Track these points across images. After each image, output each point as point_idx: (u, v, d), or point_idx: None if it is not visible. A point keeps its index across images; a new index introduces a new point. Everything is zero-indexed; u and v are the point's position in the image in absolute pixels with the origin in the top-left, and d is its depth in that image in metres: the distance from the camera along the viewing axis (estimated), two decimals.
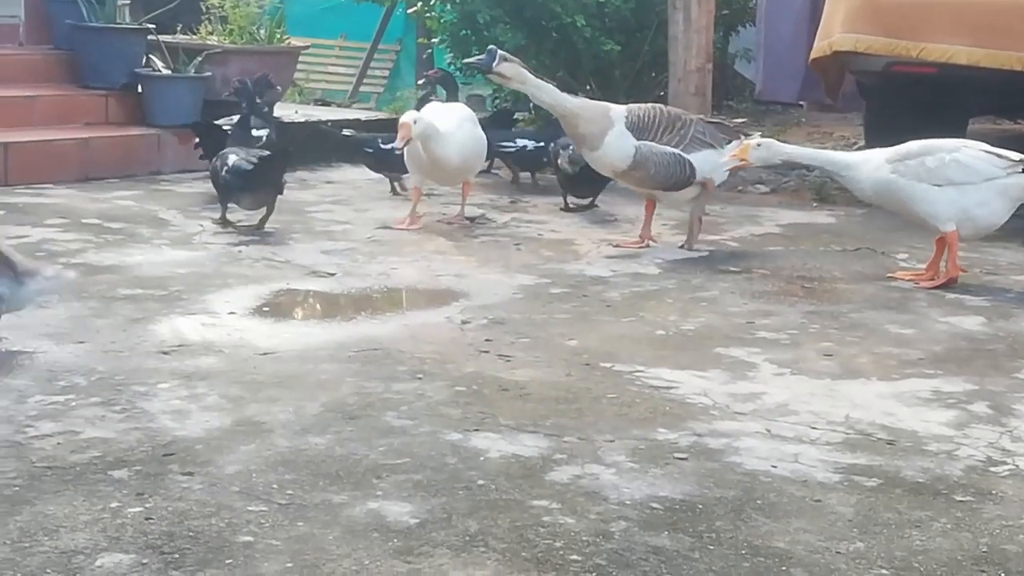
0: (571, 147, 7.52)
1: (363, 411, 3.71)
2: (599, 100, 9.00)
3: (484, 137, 6.69)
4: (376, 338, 4.52)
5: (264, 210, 6.33)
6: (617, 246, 6.27)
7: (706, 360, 4.38)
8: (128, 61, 8.32)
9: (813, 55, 8.31)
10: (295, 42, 9.17)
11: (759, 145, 5.78)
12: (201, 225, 6.44)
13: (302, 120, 8.98)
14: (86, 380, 3.91)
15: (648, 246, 6.27)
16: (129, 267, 5.49)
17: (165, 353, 4.24)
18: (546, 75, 8.84)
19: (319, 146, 8.08)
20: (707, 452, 3.48)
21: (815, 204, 8.12)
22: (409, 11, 10.60)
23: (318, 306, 5.11)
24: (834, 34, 8.05)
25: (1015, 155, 5.62)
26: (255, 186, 6.22)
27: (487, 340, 4.53)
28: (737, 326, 4.87)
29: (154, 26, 8.57)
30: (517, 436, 3.54)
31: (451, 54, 9.34)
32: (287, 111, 9.16)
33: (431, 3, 9.09)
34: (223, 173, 6.24)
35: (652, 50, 9.33)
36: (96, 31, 8.25)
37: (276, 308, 5.01)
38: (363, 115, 9.58)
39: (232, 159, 6.25)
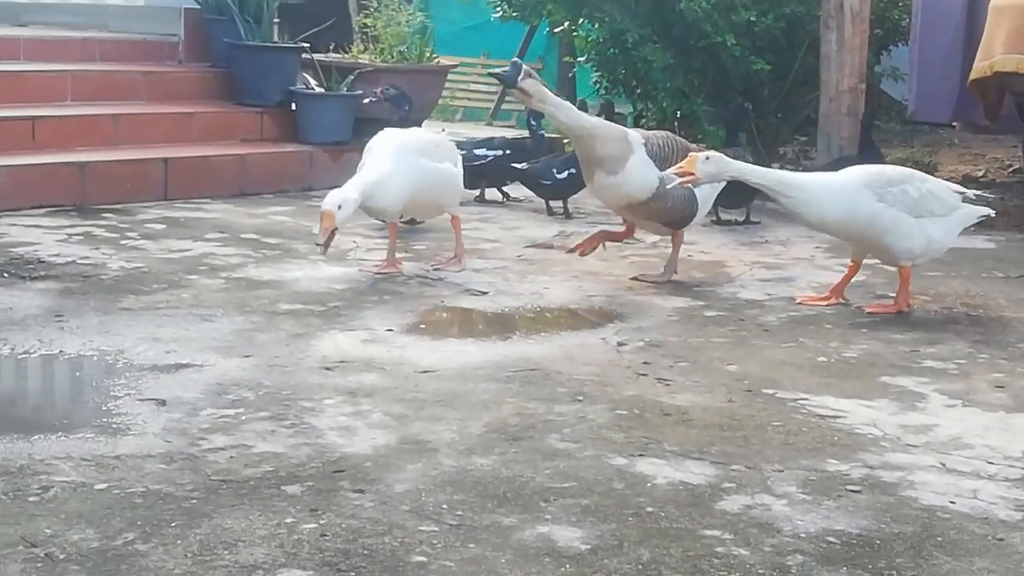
0: None
1: (525, 432, 3.70)
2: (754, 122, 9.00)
3: (440, 167, 5.87)
4: (533, 358, 4.52)
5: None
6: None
7: (872, 389, 4.28)
8: (283, 79, 8.49)
9: (973, 76, 8.12)
10: (443, 61, 9.25)
11: (708, 159, 5.35)
12: (355, 242, 6.52)
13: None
14: (254, 394, 3.97)
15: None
16: (288, 282, 5.58)
17: (328, 369, 4.29)
18: (695, 95, 8.86)
19: (495, 177, 8.08)
20: (881, 485, 3.39)
21: (972, 228, 7.89)
22: (554, 30, 10.63)
23: (474, 324, 5.12)
24: (995, 55, 7.86)
25: (959, 188, 5.65)
26: None
27: (645, 363, 4.49)
28: (901, 354, 4.75)
29: (308, 45, 8.73)
30: (683, 463, 3.49)
31: (597, 73, 9.33)
32: (434, 129, 9.24)
33: (579, 22, 9.08)
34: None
35: (803, 68, 9.19)
36: (253, 50, 8.44)
37: (433, 326, 5.03)
38: (510, 133, 9.60)
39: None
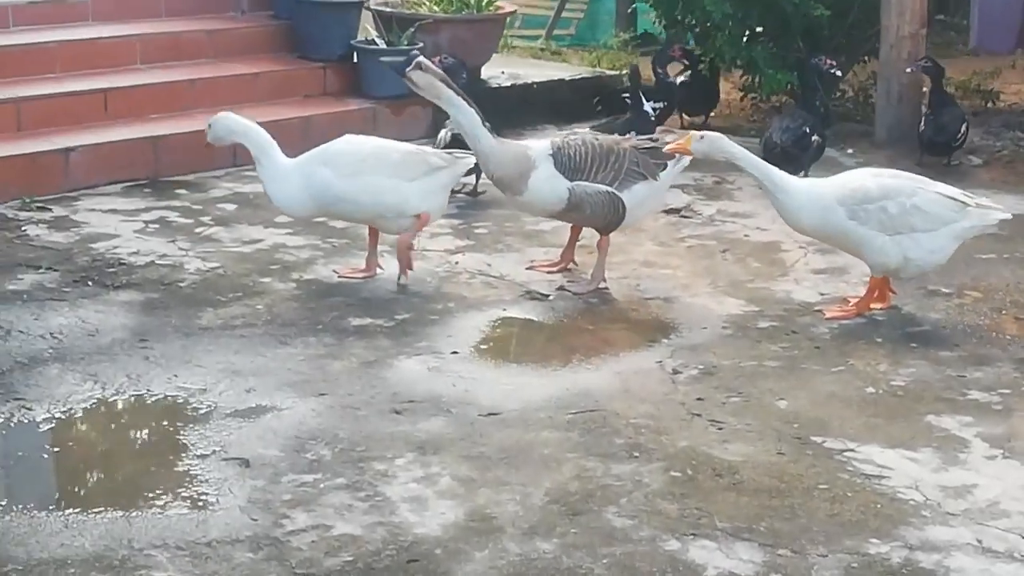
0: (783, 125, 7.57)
1: (585, 504, 3.95)
2: (807, 60, 9.00)
3: (351, 184, 5.68)
4: (592, 392, 4.74)
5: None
6: (532, 268, 6.01)
7: (917, 433, 4.48)
8: (345, 33, 8.59)
9: None
10: (504, 5, 9.27)
11: (702, 138, 5.51)
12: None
13: (508, 84, 9.13)
14: (331, 452, 4.24)
15: (569, 269, 6.01)
16: (355, 286, 5.80)
17: (398, 413, 4.55)
18: (754, 42, 8.87)
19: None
20: (919, 574, 3.62)
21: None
22: None
23: (534, 344, 5.33)
24: None
25: (964, 196, 5.50)
26: None
27: (698, 400, 4.71)
28: (948, 380, 4.92)
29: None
30: (733, 546, 3.73)
31: (656, 12, 9.36)
32: (493, 72, 9.31)
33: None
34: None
35: (864, 6, 9.13)
36: (315, 5, 8.51)
37: (496, 346, 5.26)
38: (567, 73, 9.65)
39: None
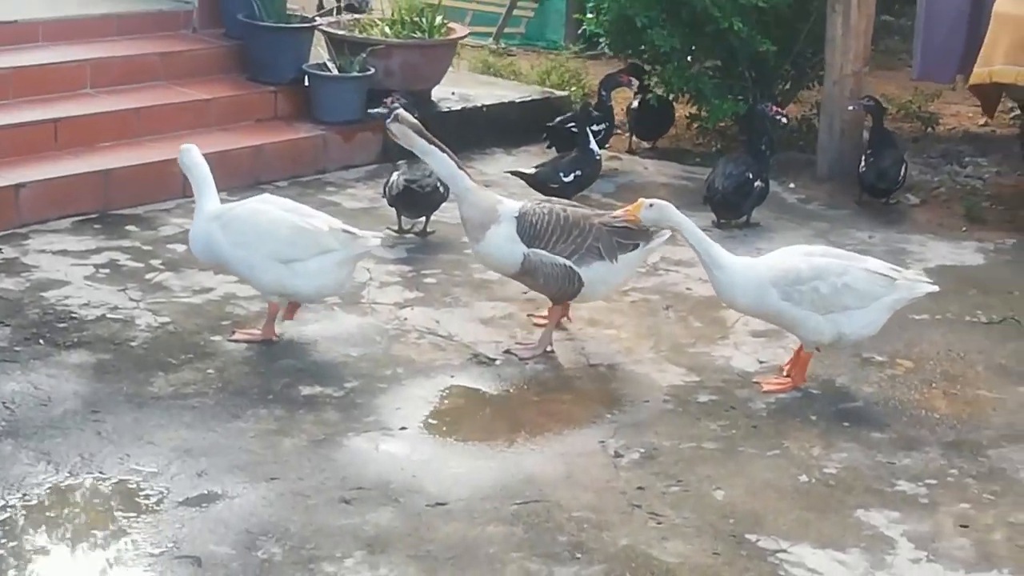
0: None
1: None
2: (757, 91, 9.18)
3: (237, 254, 5.74)
4: (536, 479, 4.89)
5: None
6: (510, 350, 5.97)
7: (847, 530, 4.67)
8: (297, 57, 8.63)
9: (972, 81, 8.30)
10: (455, 28, 9.32)
11: (651, 206, 5.65)
12: (367, 269, 6.80)
13: (459, 108, 9.21)
14: (281, 550, 4.36)
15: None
16: (306, 345, 5.90)
17: (347, 502, 4.67)
18: (702, 75, 9.01)
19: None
20: None
21: (964, 229, 8.17)
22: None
23: (481, 419, 5.45)
24: (995, 63, 8.03)
25: (892, 270, 5.68)
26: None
27: (639, 489, 4.87)
28: (878, 467, 5.11)
29: (321, 22, 8.84)
30: None
31: (605, 40, 9.57)
32: (444, 92, 9.38)
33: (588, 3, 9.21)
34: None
35: (809, 37, 9.29)
36: (266, 28, 8.52)
37: (444, 421, 5.38)
38: (517, 94, 9.74)
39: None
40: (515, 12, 13.60)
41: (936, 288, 5.79)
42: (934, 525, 4.76)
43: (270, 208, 5.89)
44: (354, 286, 6.56)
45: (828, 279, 5.56)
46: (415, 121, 5.96)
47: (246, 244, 5.75)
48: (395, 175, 7.26)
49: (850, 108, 8.70)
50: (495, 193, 6.29)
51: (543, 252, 5.81)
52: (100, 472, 4.79)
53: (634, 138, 9.52)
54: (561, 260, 5.81)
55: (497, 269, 6.11)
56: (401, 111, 6.04)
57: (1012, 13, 7.94)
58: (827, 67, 8.89)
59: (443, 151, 5.87)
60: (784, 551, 4.53)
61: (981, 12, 8.70)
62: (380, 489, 4.78)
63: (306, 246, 5.74)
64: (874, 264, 5.75)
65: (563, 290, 5.90)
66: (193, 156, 5.99)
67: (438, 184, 6.96)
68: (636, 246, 5.89)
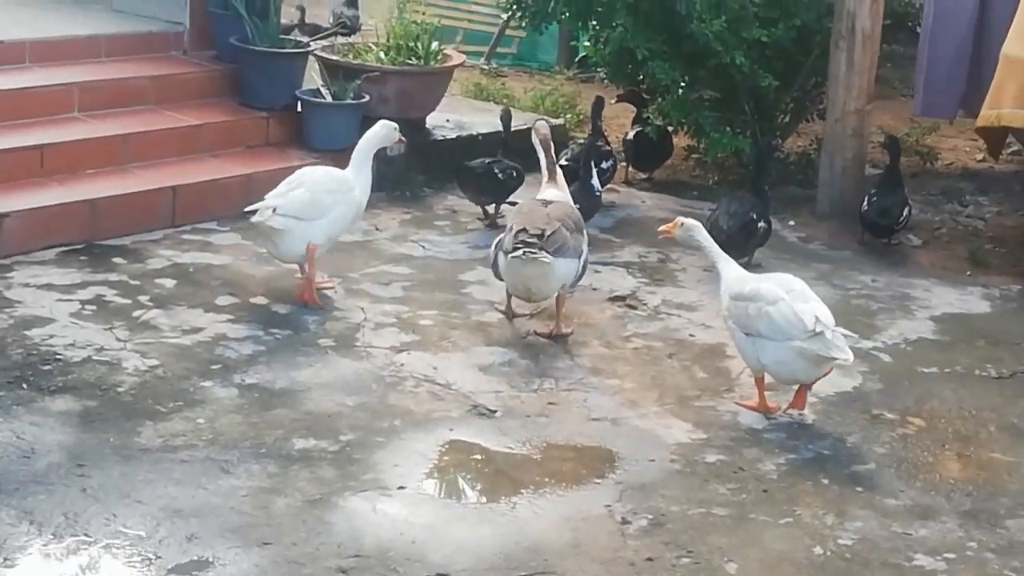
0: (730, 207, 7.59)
1: None
2: (756, 125, 9.04)
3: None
4: (541, 548, 4.68)
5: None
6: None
7: None
8: (290, 82, 8.41)
9: (979, 123, 8.17)
10: (452, 55, 9.12)
11: (683, 225, 5.99)
12: (362, 309, 6.61)
13: (454, 136, 9.03)
14: None
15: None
16: (299, 395, 5.68)
17: (344, 573, 4.46)
18: (705, 107, 8.84)
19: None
20: None
21: (969, 273, 8.02)
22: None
23: (482, 478, 5.25)
24: (1004, 106, 7.91)
25: (820, 324, 5.56)
26: None
27: (648, 560, 4.68)
28: (893, 539, 4.93)
29: (315, 47, 8.64)
30: None
31: (605, 72, 9.43)
32: (438, 120, 9.18)
33: (588, 33, 9.04)
34: None
35: (812, 72, 9.16)
36: (259, 53, 8.30)
37: (444, 480, 5.19)
38: (512, 122, 9.53)
39: None
40: (507, 32, 13.41)
41: (849, 359, 5.61)
42: None
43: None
44: (347, 327, 6.38)
45: (758, 302, 5.70)
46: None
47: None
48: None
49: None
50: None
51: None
52: (85, 535, 4.56)
53: (630, 168, 9.35)
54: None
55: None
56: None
57: (1021, 56, 7.81)
58: (829, 104, 8.74)
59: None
60: None
61: (984, 50, 8.61)
62: (378, 558, 4.57)
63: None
64: (811, 310, 5.61)
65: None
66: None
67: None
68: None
